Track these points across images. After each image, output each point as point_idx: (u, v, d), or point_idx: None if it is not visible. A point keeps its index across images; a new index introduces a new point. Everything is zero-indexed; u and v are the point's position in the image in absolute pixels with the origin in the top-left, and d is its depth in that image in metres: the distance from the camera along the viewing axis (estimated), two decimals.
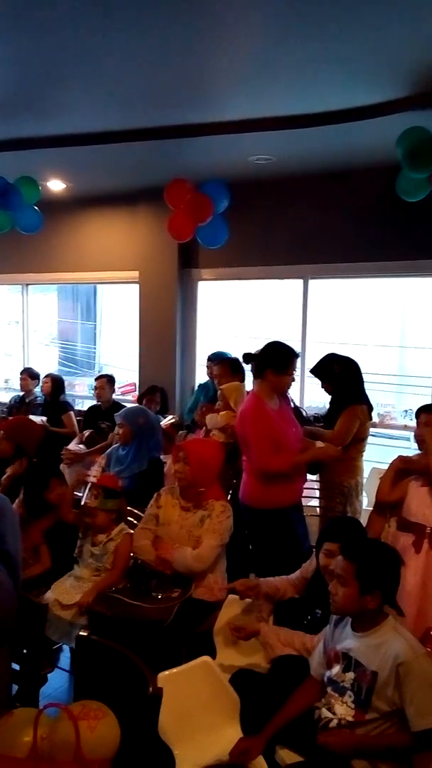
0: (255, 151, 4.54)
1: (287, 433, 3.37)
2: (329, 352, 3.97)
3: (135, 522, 3.35)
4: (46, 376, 5.92)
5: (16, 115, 4.08)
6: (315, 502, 4.21)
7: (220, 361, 4.62)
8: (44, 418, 5.56)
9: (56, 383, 5.82)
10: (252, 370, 3.97)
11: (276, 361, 3.37)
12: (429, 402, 4.77)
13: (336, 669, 2.15)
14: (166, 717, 2.08)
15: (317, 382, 3.99)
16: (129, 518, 3.44)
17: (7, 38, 3.06)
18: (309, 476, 3.87)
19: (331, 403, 3.95)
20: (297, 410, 3.93)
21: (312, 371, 3.93)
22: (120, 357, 8.16)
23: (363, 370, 3.92)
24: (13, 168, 4.69)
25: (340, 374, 3.82)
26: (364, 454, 3.95)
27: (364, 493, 3.98)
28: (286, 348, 3.41)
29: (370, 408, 3.93)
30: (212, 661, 2.28)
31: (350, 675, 2.09)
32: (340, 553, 2.18)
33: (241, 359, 4.53)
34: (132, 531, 3.17)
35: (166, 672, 2.18)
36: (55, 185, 5.72)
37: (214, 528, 2.98)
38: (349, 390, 3.81)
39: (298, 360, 3.49)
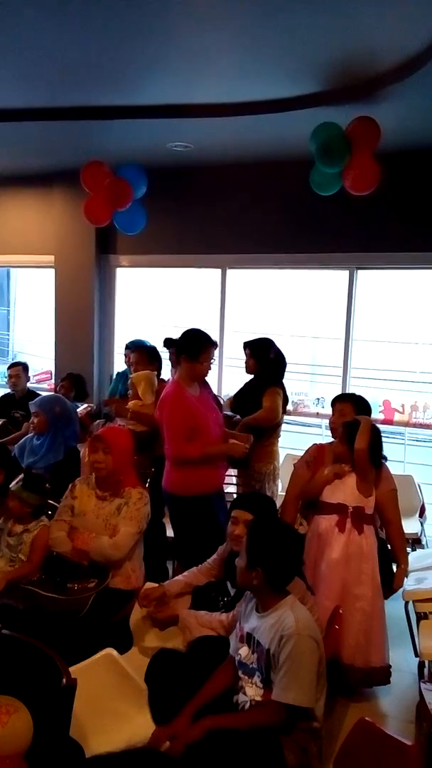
0: (173, 137, 4.51)
1: (207, 419, 3.41)
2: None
3: (51, 513, 3.29)
4: None
5: None
6: (232, 489, 4.29)
7: (137, 349, 4.58)
8: None
9: None
10: (171, 357, 4.00)
11: (189, 348, 3.39)
12: (339, 391, 5.00)
13: (244, 650, 2.21)
14: (75, 717, 2.07)
15: (236, 370, 4.07)
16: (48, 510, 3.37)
17: None
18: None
19: (249, 383, 4.05)
20: (215, 398, 3.99)
21: (246, 344, 4.05)
22: (35, 344, 7.93)
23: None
24: None
25: (272, 361, 3.97)
26: (279, 440, 4.07)
27: (279, 478, 4.11)
28: (202, 336, 3.43)
29: (286, 397, 4.05)
30: (116, 653, 2.29)
31: (255, 656, 2.16)
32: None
33: (161, 345, 4.55)
34: (48, 523, 3.11)
35: (72, 667, 2.17)
36: None
37: (132, 515, 2.98)
38: (272, 375, 3.96)
39: (217, 349, 3.53)
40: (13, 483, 3.09)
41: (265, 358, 3.97)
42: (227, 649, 2.33)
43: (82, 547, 2.91)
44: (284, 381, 4.07)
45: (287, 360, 4.09)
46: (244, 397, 4.01)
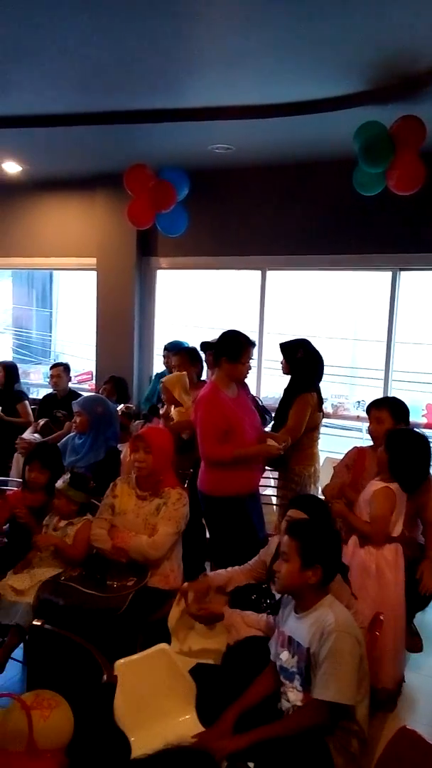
0: (214, 139, 4.52)
1: (242, 421, 3.40)
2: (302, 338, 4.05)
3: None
4: None
5: None
6: (270, 491, 4.27)
7: (178, 351, 4.60)
8: None
9: (9, 372, 5.69)
10: (208, 359, 4.01)
11: (229, 349, 3.40)
12: (380, 394, 4.93)
13: (285, 655, 2.19)
14: (121, 704, 2.09)
15: (275, 372, 4.05)
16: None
17: None
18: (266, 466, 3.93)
19: (285, 389, 4.03)
20: (253, 399, 3.98)
21: (280, 345, 4.02)
22: (76, 345, 8.06)
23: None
24: None
25: (301, 360, 3.90)
26: (319, 442, 4.04)
27: (319, 481, 4.06)
28: (241, 337, 3.44)
29: (321, 398, 4.01)
30: (169, 648, 2.30)
31: (295, 659, 2.14)
32: (285, 533, 2.24)
33: (198, 348, 4.57)
34: (92, 518, 3.16)
35: (123, 660, 2.19)
36: (11, 167, 5.58)
37: (170, 515, 2.99)
38: (302, 378, 3.90)
39: (255, 350, 3.52)
40: (59, 481, 3.14)
41: (293, 358, 3.92)
42: (267, 653, 2.32)
43: (121, 545, 2.94)
44: (323, 383, 4.02)
45: (326, 362, 4.04)
46: (280, 406, 3.99)
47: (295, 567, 2.14)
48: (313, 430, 3.91)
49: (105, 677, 1.97)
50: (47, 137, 4.60)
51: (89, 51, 3.28)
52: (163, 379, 4.40)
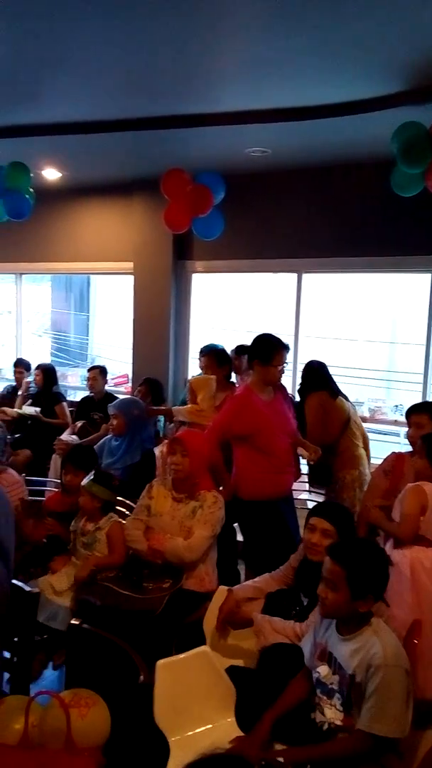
0: (251, 143, 4.53)
1: (272, 425, 3.40)
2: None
3: (127, 513, 3.37)
4: (37, 367, 5.88)
5: (11, 101, 4.05)
6: (305, 495, 4.24)
7: (206, 353, 4.61)
8: (38, 409, 5.55)
9: (48, 374, 5.80)
10: (236, 364, 4.04)
11: (261, 352, 3.40)
12: (419, 398, 4.85)
13: (323, 669, 2.16)
14: (161, 705, 2.10)
15: None
16: (121, 509, 3.45)
17: (1, 24, 3.03)
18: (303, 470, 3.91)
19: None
20: (291, 402, 3.97)
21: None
22: (113, 348, 8.16)
23: (353, 365, 4.01)
24: (9, 156, 4.66)
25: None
26: (360, 445, 3.96)
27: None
28: (273, 339, 3.44)
29: (338, 396, 4.00)
30: (211, 651, 2.29)
31: (336, 677, 2.11)
32: (327, 554, 2.14)
33: (232, 351, 4.58)
34: (121, 520, 3.18)
35: (164, 660, 2.19)
36: (50, 174, 5.69)
37: (206, 519, 3.00)
38: (306, 380, 4.05)
39: (291, 353, 3.52)
40: (84, 479, 3.17)
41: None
42: (301, 658, 2.30)
43: (157, 547, 2.95)
44: (358, 386, 4.01)
45: (353, 362, 4.05)
46: (296, 412, 3.99)
47: (345, 597, 2.05)
48: (345, 430, 3.85)
49: (142, 678, 1.98)
50: (85, 144, 4.68)
51: (126, 58, 3.33)
52: (191, 378, 4.42)
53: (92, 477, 3.16)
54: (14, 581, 2.34)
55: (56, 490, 3.74)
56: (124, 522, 3.16)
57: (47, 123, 4.39)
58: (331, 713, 2.08)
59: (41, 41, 3.18)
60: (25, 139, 4.54)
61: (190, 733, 2.13)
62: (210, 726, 2.18)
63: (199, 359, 5.10)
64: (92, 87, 3.76)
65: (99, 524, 3.11)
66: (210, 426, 3.51)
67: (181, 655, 2.26)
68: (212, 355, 4.53)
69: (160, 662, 2.16)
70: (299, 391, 4.08)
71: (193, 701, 2.19)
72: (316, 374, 4.02)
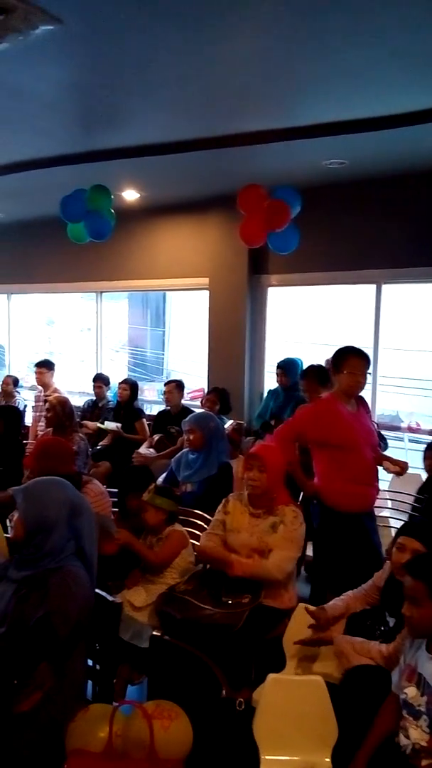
0: (328, 155, 4.51)
1: (357, 436, 3.32)
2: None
3: (204, 525, 3.37)
4: (123, 381, 6.00)
5: (95, 127, 4.22)
6: (387, 513, 4.11)
7: (307, 376, 4.54)
8: (118, 425, 5.69)
9: (133, 389, 5.93)
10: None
11: (334, 361, 3.37)
12: None
13: (411, 691, 2.07)
14: (264, 717, 2.07)
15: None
16: (199, 522, 3.47)
17: (82, 53, 3.17)
18: (382, 486, 3.79)
19: None
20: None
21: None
22: (188, 362, 8.27)
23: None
24: (93, 179, 4.84)
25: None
26: None
27: None
28: (344, 347, 3.39)
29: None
30: (324, 682, 2.23)
31: (425, 698, 2.01)
32: (407, 573, 2.07)
33: (309, 361, 4.54)
34: (183, 529, 3.20)
35: (277, 675, 2.17)
36: (130, 195, 5.87)
37: (291, 537, 2.94)
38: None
39: (369, 365, 3.43)
40: (144, 494, 3.19)
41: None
42: (387, 681, 2.21)
43: (241, 573, 2.88)
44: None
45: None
46: None
47: (430, 613, 1.99)
48: None
49: (224, 692, 1.97)
50: (164, 164, 4.80)
51: (205, 78, 3.40)
52: None
53: (153, 490, 3.18)
54: (98, 590, 2.38)
55: None
56: (193, 532, 3.16)
57: (129, 146, 4.54)
58: (417, 734, 1.99)
59: (122, 67, 3.30)
60: (107, 162, 4.71)
61: (284, 757, 2.08)
62: (305, 759, 2.11)
63: (277, 374, 5.09)
64: (172, 108, 3.86)
65: (162, 534, 3.12)
66: (284, 423, 3.48)
67: (295, 677, 2.23)
68: (312, 377, 4.47)
69: (273, 676, 2.14)
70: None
71: (295, 727, 2.14)
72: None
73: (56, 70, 3.35)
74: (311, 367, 4.59)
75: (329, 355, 3.62)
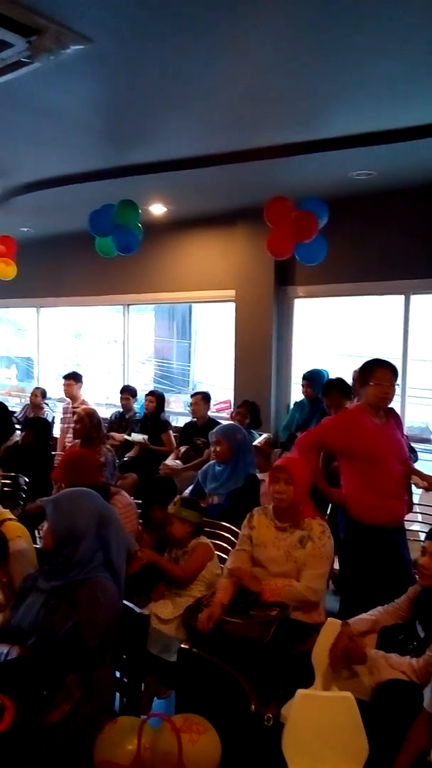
0: (356, 166, 4.51)
1: (381, 448, 3.28)
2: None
3: (231, 538, 3.35)
4: (150, 393, 6.04)
5: (124, 143, 4.29)
6: (417, 527, 4.04)
7: (328, 393, 4.51)
8: (145, 436, 5.71)
9: (160, 401, 5.96)
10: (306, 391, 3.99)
11: (362, 372, 3.34)
12: None
13: None
14: (293, 733, 2.04)
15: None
16: (226, 534, 3.45)
17: (111, 70, 3.23)
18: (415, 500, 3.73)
19: None
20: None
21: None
22: (214, 374, 8.29)
23: None
24: (120, 194, 4.92)
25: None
26: None
27: None
28: (373, 360, 3.36)
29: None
30: (354, 698, 2.19)
31: None
32: None
33: (334, 372, 4.51)
34: (208, 541, 3.18)
35: (306, 691, 2.14)
36: (157, 209, 5.94)
37: (320, 553, 2.90)
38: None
39: (396, 376, 3.39)
40: (169, 507, 3.18)
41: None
42: (419, 698, 2.16)
43: (274, 599, 2.83)
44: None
45: None
46: None
47: None
48: None
49: (253, 707, 1.94)
50: (191, 178, 4.85)
51: (233, 93, 3.43)
52: None
53: (178, 502, 3.17)
54: (125, 602, 2.38)
55: None
56: (221, 545, 3.14)
57: (157, 161, 4.60)
58: None
59: (151, 83, 3.35)
60: (135, 177, 4.78)
61: None
62: None
63: (303, 385, 5.06)
64: (200, 123, 3.91)
65: (187, 547, 3.11)
66: (306, 432, 3.47)
67: (325, 693, 2.20)
68: (336, 391, 4.44)
69: (302, 692, 2.11)
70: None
71: (325, 744, 2.09)
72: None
73: (86, 88, 3.42)
74: (332, 381, 4.56)
75: (356, 366, 3.60)
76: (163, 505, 3.25)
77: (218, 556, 3.23)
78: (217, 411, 6.61)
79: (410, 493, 3.53)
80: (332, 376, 5.09)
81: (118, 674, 2.39)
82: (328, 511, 3.82)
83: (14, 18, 2.63)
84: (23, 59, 2.93)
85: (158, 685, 2.84)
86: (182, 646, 2.39)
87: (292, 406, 5.62)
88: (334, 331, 6.75)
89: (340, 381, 4.47)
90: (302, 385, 5.13)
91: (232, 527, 3.46)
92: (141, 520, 3.47)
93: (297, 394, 5.76)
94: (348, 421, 3.35)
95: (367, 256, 5.39)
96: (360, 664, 2.44)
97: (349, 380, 4.46)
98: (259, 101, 3.54)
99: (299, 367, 5.80)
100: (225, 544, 3.37)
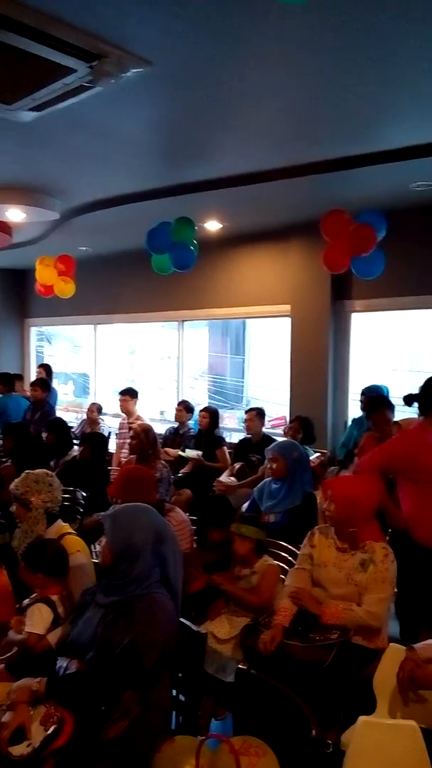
0: (416, 177, 4.41)
1: None
2: None
3: (290, 559, 3.29)
4: (204, 409, 6.06)
5: (182, 161, 4.35)
6: None
7: (373, 412, 4.43)
8: (199, 453, 5.71)
9: (214, 417, 5.96)
10: (419, 409, 3.76)
11: (421, 397, 3.23)
12: None
13: None
14: (354, 764, 1.97)
15: None
16: (283, 554, 3.38)
17: (170, 91, 3.28)
18: None
19: None
20: None
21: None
22: (268, 390, 8.24)
23: None
24: (177, 212, 4.99)
25: None
26: None
27: None
28: None
29: None
30: (419, 728, 2.11)
31: None
32: None
33: (395, 388, 4.38)
34: (276, 563, 3.12)
35: (369, 718, 2.07)
36: (212, 225, 5.99)
37: (383, 578, 2.80)
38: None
39: None
40: (233, 525, 3.15)
41: None
42: None
43: (333, 622, 2.74)
44: None
45: None
46: None
47: None
48: None
49: (314, 732, 1.88)
50: (246, 194, 4.87)
51: (290, 108, 3.43)
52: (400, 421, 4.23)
53: (240, 520, 3.15)
54: (182, 620, 2.36)
55: None
56: (279, 565, 3.09)
57: (213, 178, 4.64)
58: None
59: (208, 102, 3.39)
60: (191, 195, 4.84)
61: None
62: None
63: (361, 401, 4.96)
64: (257, 139, 3.92)
65: (254, 568, 3.07)
66: (369, 453, 3.38)
67: (388, 721, 2.12)
68: (380, 406, 4.40)
69: (364, 719, 2.04)
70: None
71: None
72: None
73: (145, 110, 3.49)
74: (373, 399, 4.45)
75: (417, 381, 3.47)
76: (219, 527, 3.23)
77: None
78: (272, 427, 6.55)
79: None
80: (390, 391, 4.98)
81: (174, 693, 2.37)
82: (387, 535, 3.70)
83: (76, 44, 2.71)
84: (85, 84, 3.01)
85: (215, 705, 2.79)
86: (240, 666, 2.35)
87: (349, 422, 5.51)
88: (393, 346, 6.60)
89: (380, 397, 4.38)
90: (360, 401, 5.03)
91: (289, 546, 3.40)
92: (195, 537, 3.45)
93: (354, 410, 5.64)
94: (412, 441, 3.23)
95: (427, 268, 5.26)
96: (429, 689, 2.33)
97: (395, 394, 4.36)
98: (315, 115, 3.52)
99: (357, 382, 5.69)
100: (282, 564, 3.31)
